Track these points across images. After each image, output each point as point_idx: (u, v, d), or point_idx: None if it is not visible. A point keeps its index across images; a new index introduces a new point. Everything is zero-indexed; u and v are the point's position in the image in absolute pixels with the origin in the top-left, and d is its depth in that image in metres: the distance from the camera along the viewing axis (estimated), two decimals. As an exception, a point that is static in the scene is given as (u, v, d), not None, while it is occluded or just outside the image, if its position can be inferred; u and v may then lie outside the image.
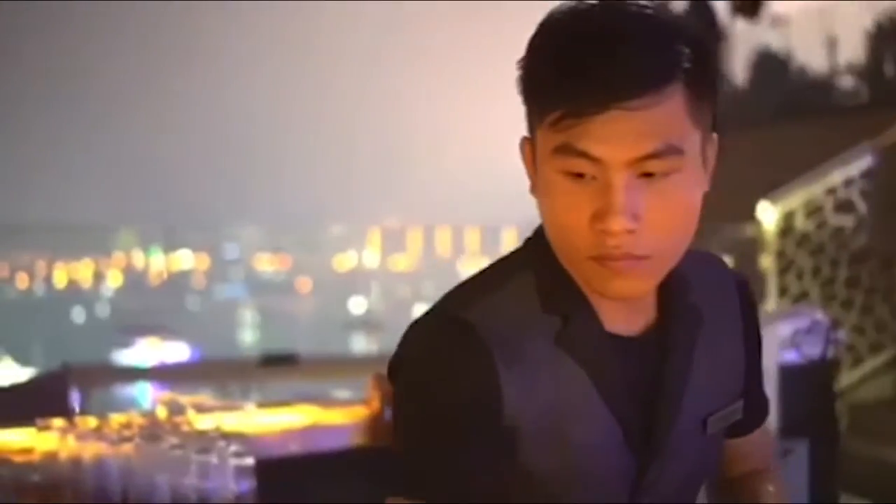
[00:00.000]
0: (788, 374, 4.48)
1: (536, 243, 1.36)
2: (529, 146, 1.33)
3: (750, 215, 7.27)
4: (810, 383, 4.13)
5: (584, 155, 1.23)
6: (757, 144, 8.92)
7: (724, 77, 11.29)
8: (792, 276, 7.23)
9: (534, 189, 1.34)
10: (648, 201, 1.24)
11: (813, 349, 4.36)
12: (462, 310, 1.32)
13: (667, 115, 1.23)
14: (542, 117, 1.26)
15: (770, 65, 12.45)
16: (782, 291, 7.08)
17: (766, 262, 7.21)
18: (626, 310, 1.34)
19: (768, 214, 7.20)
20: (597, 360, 1.32)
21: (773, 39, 12.52)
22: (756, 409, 1.54)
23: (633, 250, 1.24)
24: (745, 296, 1.48)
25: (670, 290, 1.36)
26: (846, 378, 6.94)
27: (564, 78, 1.23)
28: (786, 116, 10.71)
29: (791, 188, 7.25)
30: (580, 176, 1.24)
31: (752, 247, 7.28)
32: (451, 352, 1.30)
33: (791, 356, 4.30)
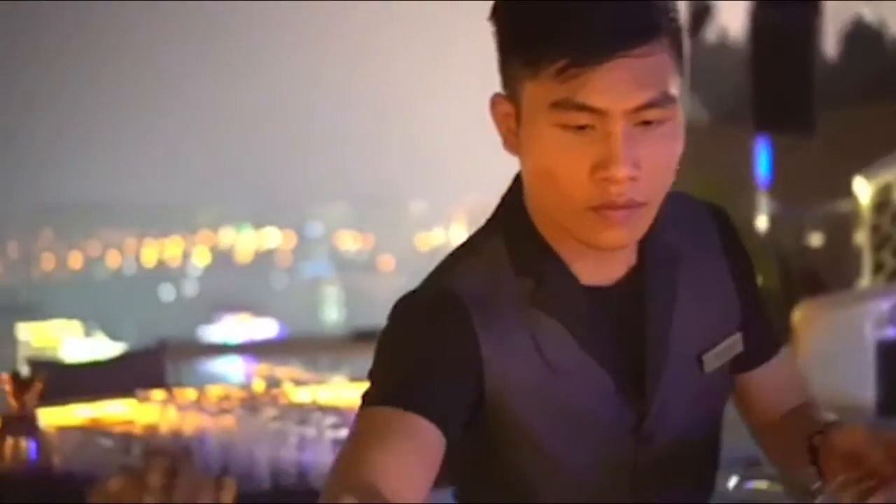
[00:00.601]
0: (886, 350, 4.40)
1: (506, 208, 1.39)
2: (506, 102, 1.33)
3: (844, 192, 7.14)
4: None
5: (585, 108, 1.25)
6: (850, 120, 8.75)
7: (818, 52, 11.07)
8: (887, 252, 7.08)
9: (510, 146, 1.35)
10: (646, 149, 1.27)
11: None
12: (440, 279, 1.36)
13: (661, 64, 1.27)
14: (536, 70, 1.26)
15: (863, 39, 12.19)
16: (877, 267, 6.93)
17: (861, 237, 7.07)
18: (602, 261, 1.36)
19: (863, 190, 7.06)
20: (575, 315, 1.34)
21: (866, 12, 12.26)
22: (762, 338, 1.49)
23: (635, 196, 1.27)
24: (723, 226, 1.47)
25: (646, 234, 1.35)
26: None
27: (565, 27, 1.25)
28: (880, 91, 10.48)
29: (886, 163, 7.09)
30: (579, 128, 1.26)
31: (846, 223, 7.14)
32: (430, 314, 1.32)
33: (889, 332, 4.22)
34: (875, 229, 7.09)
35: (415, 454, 1.22)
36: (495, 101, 1.35)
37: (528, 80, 1.28)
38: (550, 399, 1.33)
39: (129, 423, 2.81)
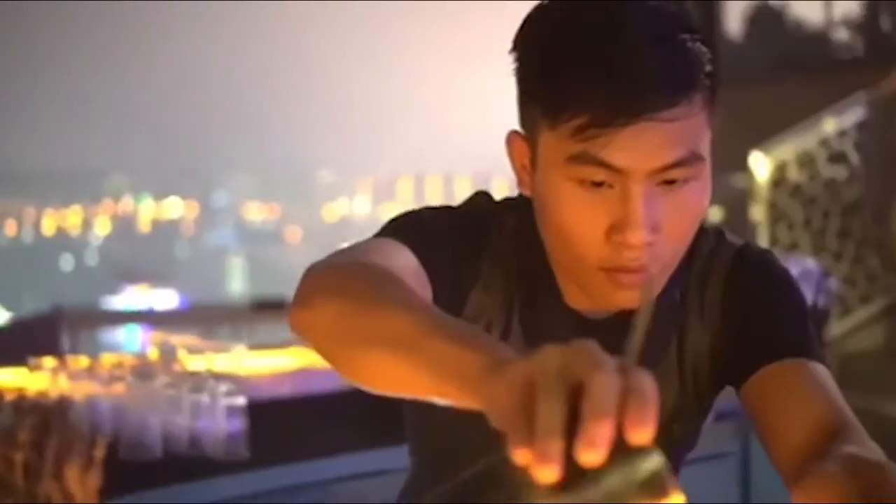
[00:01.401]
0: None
1: (522, 211, 1.31)
2: (523, 143, 1.26)
3: (743, 166, 7.27)
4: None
5: (605, 165, 1.16)
6: (752, 98, 8.89)
7: (719, 30, 11.23)
8: (783, 227, 7.24)
9: (524, 187, 1.28)
10: (666, 210, 1.18)
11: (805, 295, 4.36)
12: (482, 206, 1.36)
13: (692, 124, 1.17)
14: (555, 122, 1.17)
15: (765, 18, 12.39)
16: (773, 242, 7.09)
17: (758, 212, 7.21)
18: None
19: (761, 165, 7.19)
20: (558, 340, 1.31)
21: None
22: (760, 344, 1.30)
23: (649, 262, 1.19)
24: (735, 269, 1.35)
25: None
26: (836, 329, 6.97)
27: (589, 82, 1.15)
28: (781, 70, 10.66)
29: (784, 139, 7.24)
30: (596, 184, 1.17)
31: (743, 198, 7.28)
32: (465, 221, 1.32)
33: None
34: (772, 205, 7.25)
35: (412, 276, 1.17)
36: (511, 138, 1.27)
37: (545, 128, 1.19)
38: None
39: (20, 390, 2.76)
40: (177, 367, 2.81)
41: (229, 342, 3.85)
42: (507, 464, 0.74)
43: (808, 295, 4.60)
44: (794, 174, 7.29)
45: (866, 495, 0.91)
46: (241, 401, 2.56)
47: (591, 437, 0.73)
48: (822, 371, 1.24)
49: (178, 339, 3.12)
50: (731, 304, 1.34)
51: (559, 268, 1.30)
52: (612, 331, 1.22)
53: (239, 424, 2.57)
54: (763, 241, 7.11)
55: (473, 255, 1.31)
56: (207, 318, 4.37)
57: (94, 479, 0.78)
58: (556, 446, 0.73)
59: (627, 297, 1.21)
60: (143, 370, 2.69)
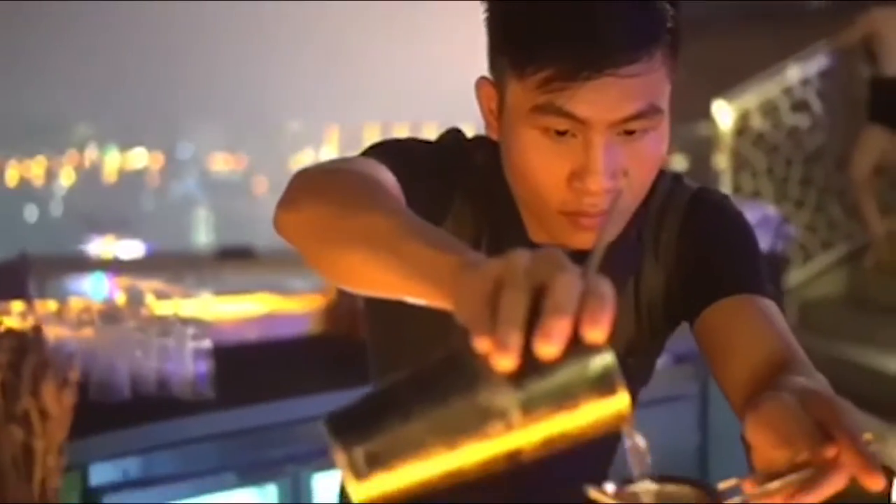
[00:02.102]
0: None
1: (491, 147, 1.36)
2: (492, 89, 1.31)
3: (706, 115, 7.31)
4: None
5: (568, 115, 1.21)
6: (715, 47, 8.91)
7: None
8: (746, 175, 7.30)
9: (492, 131, 1.33)
10: (625, 159, 1.24)
11: (762, 242, 4.42)
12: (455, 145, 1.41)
13: (653, 79, 1.22)
14: (522, 73, 1.23)
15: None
16: (736, 190, 7.15)
17: (721, 161, 7.26)
18: None
19: (724, 113, 7.24)
20: None
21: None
22: (714, 281, 1.34)
23: (607, 207, 1.24)
24: (690, 214, 1.41)
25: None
26: (798, 276, 7.06)
27: (554, 38, 1.19)
28: (745, 19, 10.69)
29: (747, 88, 7.28)
30: (560, 133, 1.23)
31: (707, 146, 7.33)
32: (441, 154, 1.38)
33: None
34: (735, 153, 7.31)
35: (393, 191, 1.21)
36: (481, 83, 1.32)
37: (513, 78, 1.24)
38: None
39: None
40: (144, 312, 2.84)
41: (195, 290, 3.88)
42: (468, 352, 0.80)
43: (767, 241, 4.67)
44: (757, 123, 7.34)
45: (818, 424, 0.94)
46: (207, 343, 2.61)
47: (548, 330, 0.78)
48: (772, 307, 1.29)
49: (146, 284, 3.15)
50: (685, 245, 1.39)
51: (524, 207, 1.35)
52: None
53: (205, 366, 2.61)
54: (726, 188, 7.17)
55: (447, 187, 1.36)
56: (173, 265, 4.39)
57: (69, 397, 0.82)
58: (516, 337, 0.78)
59: (586, 238, 1.27)
60: (110, 314, 2.72)
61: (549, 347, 0.78)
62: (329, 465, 2.65)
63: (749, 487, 0.93)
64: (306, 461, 2.75)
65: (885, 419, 5.23)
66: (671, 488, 0.93)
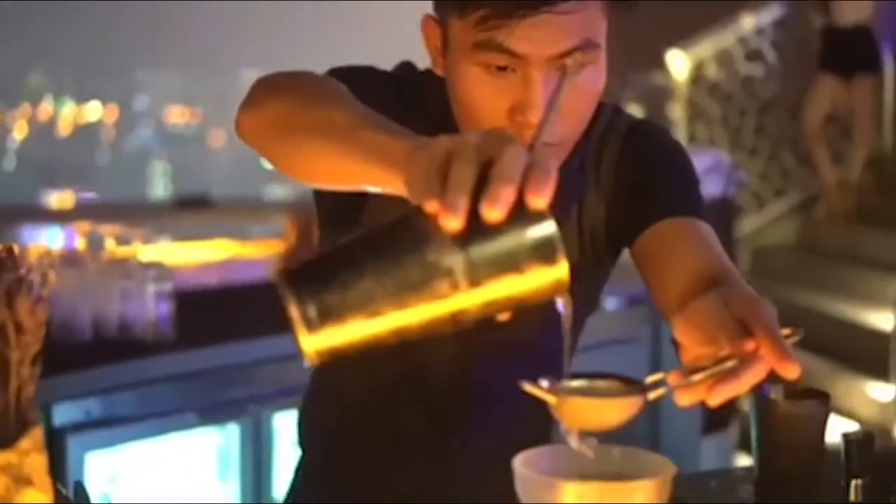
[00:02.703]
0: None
1: (440, 80, 1.38)
2: (436, 27, 1.34)
3: (661, 64, 7.35)
4: (712, 222, 4.26)
5: (507, 51, 1.24)
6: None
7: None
8: (701, 125, 7.36)
9: (438, 68, 1.37)
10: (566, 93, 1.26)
11: (715, 187, 4.49)
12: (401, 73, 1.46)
13: (588, 16, 1.25)
14: (462, 12, 1.26)
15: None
16: (691, 139, 7.22)
17: (676, 110, 7.32)
18: None
19: (679, 63, 7.29)
20: None
21: None
22: (649, 205, 1.38)
23: (549, 139, 1.27)
24: (627, 142, 1.45)
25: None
26: (751, 223, 7.16)
27: None
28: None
29: (702, 37, 7.33)
30: (500, 69, 1.26)
31: (661, 95, 7.38)
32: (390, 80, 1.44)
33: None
34: (690, 102, 7.37)
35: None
36: (426, 21, 1.35)
37: (454, 17, 1.28)
38: None
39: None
40: (104, 256, 2.86)
41: (155, 236, 3.90)
42: (419, 215, 0.84)
43: (720, 186, 4.74)
44: (711, 72, 7.40)
45: (739, 322, 0.98)
46: (168, 286, 2.63)
47: (495, 196, 0.84)
48: (707, 229, 1.34)
49: (106, 229, 3.16)
50: (623, 172, 1.44)
51: None
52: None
53: (167, 309, 2.64)
54: (681, 138, 7.24)
55: (403, 118, 1.39)
56: (132, 213, 4.40)
57: (42, 312, 0.86)
58: (463, 200, 0.84)
59: None
60: (71, 259, 2.73)
61: (494, 212, 0.84)
62: (289, 404, 2.70)
63: (673, 380, 0.98)
64: (267, 401, 2.79)
65: (834, 361, 5.34)
66: (601, 383, 0.98)
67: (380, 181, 1.01)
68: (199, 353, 2.73)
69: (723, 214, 4.67)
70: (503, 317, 0.90)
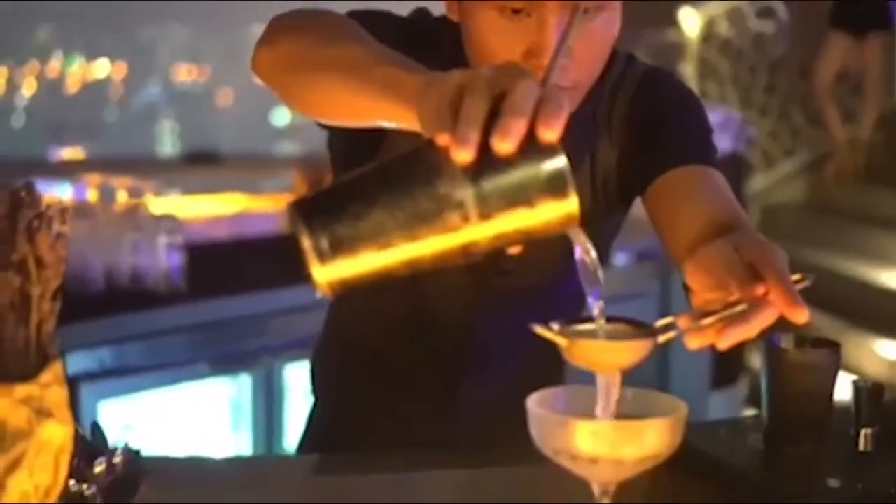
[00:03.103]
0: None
1: (456, 26, 1.38)
2: None
3: (672, 22, 7.31)
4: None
5: None
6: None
7: None
8: (712, 83, 7.33)
9: (452, 13, 1.37)
10: (579, 37, 1.27)
11: (725, 144, 4.48)
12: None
13: None
14: None
15: None
16: (702, 96, 7.18)
17: (687, 68, 7.29)
18: None
19: (691, 20, 7.25)
20: None
21: None
22: (660, 153, 1.39)
23: (563, 83, 1.27)
24: (641, 89, 1.45)
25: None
26: (761, 181, 7.14)
27: None
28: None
29: (714, -5, 7.29)
30: (515, 12, 1.26)
31: (673, 52, 7.34)
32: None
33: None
34: (701, 60, 7.34)
35: None
36: None
37: None
38: None
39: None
40: (116, 208, 2.87)
41: (165, 190, 3.90)
42: (431, 148, 0.85)
43: (729, 142, 4.73)
44: (723, 29, 7.36)
45: (749, 266, 0.98)
46: (179, 238, 2.64)
47: (506, 128, 0.84)
48: (718, 176, 1.34)
49: (117, 181, 3.17)
50: (636, 120, 1.44)
51: None
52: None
53: (178, 260, 2.65)
54: (691, 96, 7.20)
55: (414, 56, 1.40)
56: (142, 167, 4.40)
57: (62, 248, 0.87)
58: (475, 133, 0.84)
59: None
60: (82, 210, 2.74)
61: (505, 144, 0.84)
62: (301, 355, 2.70)
63: (683, 323, 0.98)
64: (279, 352, 2.81)
65: (844, 319, 5.35)
66: (611, 326, 0.99)
67: (393, 116, 1.01)
68: (211, 305, 2.74)
69: (733, 171, 4.65)
70: (514, 250, 0.90)
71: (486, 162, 0.84)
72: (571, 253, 0.98)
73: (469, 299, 1.49)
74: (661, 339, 0.96)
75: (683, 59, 7.29)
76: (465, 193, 0.85)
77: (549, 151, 0.85)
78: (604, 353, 0.96)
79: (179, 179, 4.46)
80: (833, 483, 1.23)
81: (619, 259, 3.59)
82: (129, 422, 2.57)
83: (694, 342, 0.96)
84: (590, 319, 0.98)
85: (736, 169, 4.80)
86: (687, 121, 1.43)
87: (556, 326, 0.97)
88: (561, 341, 0.96)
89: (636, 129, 1.43)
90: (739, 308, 0.96)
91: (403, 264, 0.87)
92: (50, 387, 0.84)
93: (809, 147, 7.39)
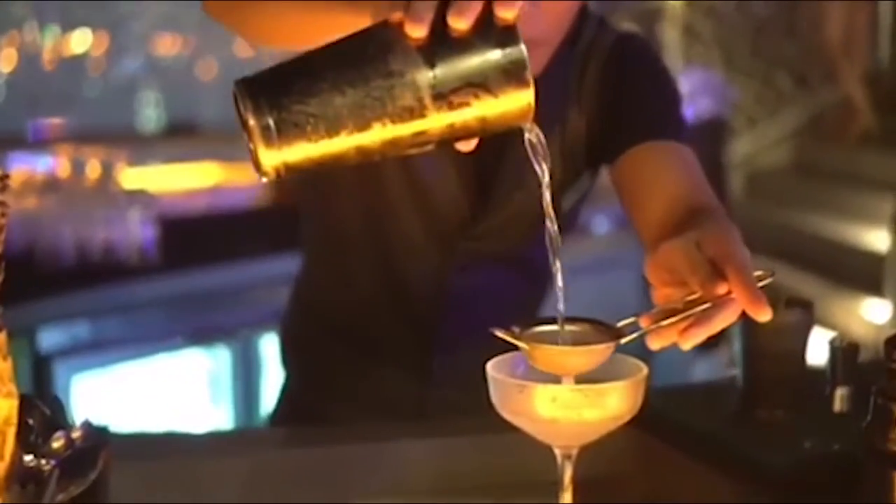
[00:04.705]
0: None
1: None
2: None
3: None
4: (701, 140, 4.25)
5: None
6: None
7: None
8: (697, 47, 7.30)
9: None
10: None
11: (706, 107, 4.45)
12: None
13: None
14: None
15: None
16: (686, 61, 7.16)
17: (671, 32, 7.25)
18: None
19: (673, -18, 7.21)
20: None
21: None
22: (628, 127, 1.38)
23: (531, 34, 1.26)
24: (613, 57, 1.44)
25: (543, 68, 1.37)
26: (746, 145, 7.12)
27: None
28: None
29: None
30: None
31: (656, 17, 7.30)
32: None
33: (686, 113, 4.39)
34: (685, 24, 7.30)
35: None
36: None
37: None
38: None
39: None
40: (88, 181, 2.83)
41: (141, 161, 3.85)
42: (385, 26, 0.83)
43: (711, 105, 4.70)
44: (706, -8, 7.33)
45: (711, 263, 0.97)
46: (153, 211, 2.61)
47: (462, 5, 0.81)
48: (687, 153, 1.32)
49: (89, 153, 3.13)
50: (604, 91, 1.42)
51: None
52: None
53: (152, 233, 2.62)
54: (676, 60, 7.18)
55: None
56: (116, 139, 4.34)
57: (0, 218, 0.84)
58: (429, 9, 0.81)
59: None
60: (54, 184, 2.71)
61: (461, 21, 0.81)
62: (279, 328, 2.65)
63: (645, 323, 0.96)
64: (257, 325, 2.79)
65: (829, 281, 5.34)
66: (573, 327, 0.96)
67: (351, 27, 0.98)
68: (187, 277, 2.72)
69: (714, 135, 4.63)
70: (465, 146, 0.87)
71: (442, 41, 0.81)
72: (542, 221, 0.95)
73: (439, 264, 1.47)
74: (623, 340, 0.95)
75: (666, 22, 7.24)
76: (419, 73, 0.82)
77: (507, 35, 0.82)
78: (564, 358, 0.95)
79: (156, 150, 4.40)
80: (807, 444, 1.21)
81: (601, 225, 3.57)
82: (104, 396, 2.55)
83: (656, 343, 0.95)
84: (553, 320, 0.96)
85: (717, 133, 4.77)
86: (655, 94, 1.41)
87: (515, 329, 0.95)
88: (521, 346, 0.94)
89: (605, 100, 1.42)
90: (701, 307, 0.94)
91: (352, 149, 0.83)
92: (-9, 359, 0.81)
93: (795, 110, 7.37)
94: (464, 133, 0.85)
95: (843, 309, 5.12)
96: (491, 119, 0.84)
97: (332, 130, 0.82)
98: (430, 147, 0.85)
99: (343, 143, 0.83)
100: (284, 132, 0.82)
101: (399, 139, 0.83)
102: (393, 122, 0.82)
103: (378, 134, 0.83)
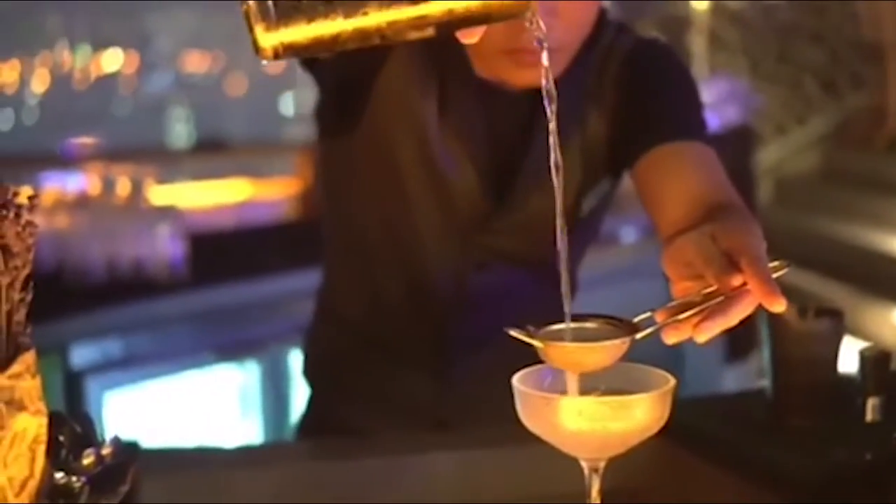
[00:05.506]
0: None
1: None
2: None
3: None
4: (728, 148, 4.23)
5: None
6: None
7: None
8: (722, 54, 7.28)
9: None
10: None
11: (732, 115, 4.43)
12: None
13: None
14: None
15: None
16: (712, 69, 7.13)
17: (697, 40, 7.23)
18: None
19: (698, -9, 7.19)
20: (464, 104, 1.40)
21: None
22: (649, 128, 1.37)
23: (548, 44, 1.27)
24: (635, 61, 1.44)
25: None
26: (774, 152, 7.09)
27: None
28: None
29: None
30: None
31: (682, 25, 7.28)
32: None
33: (712, 121, 4.38)
34: (711, 32, 7.28)
35: None
36: None
37: None
38: (425, 155, 1.42)
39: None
40: (118, 199, 2.86)
41: (170, 179, 3.89)
42: None
43: (737, 113, 4.68)
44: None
45: (726, 256, 0.97)
46: (181, 226, 2.63)
47: None
48: (708, 153, 1.31)
49: (119, 171, 3.16)
50: (625, 92, 1.43)
51: (469, 47, 1.38)
52: (517, 103, 1.39)
53: (181, 249, 2.64)
54: (702, 68, 7.16)
55: None
56: (146, 157, 4.39)
57: (30, 236, 0.85)
58: None
59: (528, 76, 1.33)
60: (84, 202, 2.73)
61: None
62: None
63: (661, 317, 0.96)
64: (286, 339, 2.79)
65: (859, 289, 5.30)
66: (589, 325, 0.96)
67: None
68: (216, 292, 2.73)
69: (740, 142, 4.61)
70: (467, 37, 0.87)
71: None
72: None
73: (458, 262, 1.47)
74: (639, 336, 0.94)
75: (692, 31, 7.22)
76: None
77: None
78: (579, 355, 0.94)
79: (185, 167, 4.44)
80: (839, 454, 1.21)
81: (628, 234, 3.56)
82: (135, 413, 2.56)
83: (671, 338, 0.95)
84: (574, 317, 0.96)
85: (745, 141, 4.75)
86: (676, 94, 1.41)
87: (531, 328, 0.95)
88: (536, 344, 0.93)
89: (624, 101, 1.42)
90: (717, 300, 0.94)
91: (350, 31, 0.82)
92: (21, 377, 0.82)
93: (823, 117, 7.32)
94: (464, 19, 0.84)
95: (875, 318, 5.08)
96: (492, 5, 0.83)
97: (331, 11, 0.82)
98: (430, 31, 0.84)
99: (341, 24, 0.82)
100: (283, 12, 0.82)
101: (397, 21, 0.82)
102: (391, 3, 0.82)
103: (376, 16, 0.82)
